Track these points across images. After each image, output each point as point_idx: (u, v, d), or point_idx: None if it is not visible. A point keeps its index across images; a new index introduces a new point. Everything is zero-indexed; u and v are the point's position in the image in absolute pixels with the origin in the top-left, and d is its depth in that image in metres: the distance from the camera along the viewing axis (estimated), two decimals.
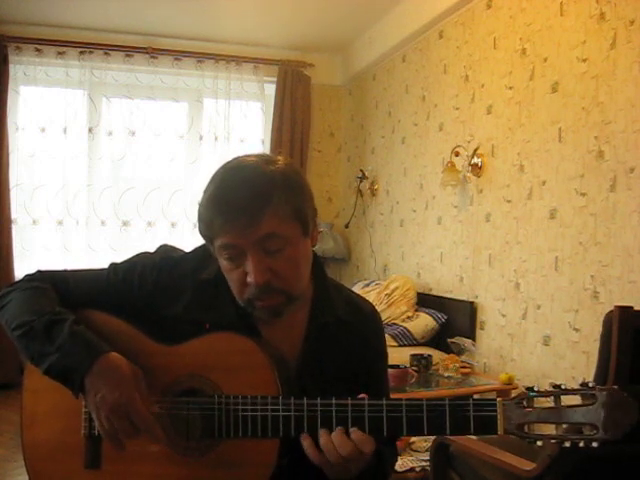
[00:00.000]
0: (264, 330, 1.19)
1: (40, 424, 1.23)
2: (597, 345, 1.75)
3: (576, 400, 0.97)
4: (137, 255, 1.30)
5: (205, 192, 1.13)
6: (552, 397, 0.98)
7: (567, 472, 1.73)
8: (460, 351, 3.49)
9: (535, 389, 0.99)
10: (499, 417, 0.98)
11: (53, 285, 1.25)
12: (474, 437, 2.21)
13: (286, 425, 1.06)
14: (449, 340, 3.62)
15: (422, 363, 3.20)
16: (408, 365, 3.15)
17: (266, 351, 1.11)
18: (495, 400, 1.00)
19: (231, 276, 1.13)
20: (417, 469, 2.65)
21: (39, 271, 1.30)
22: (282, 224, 1.09)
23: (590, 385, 0.96)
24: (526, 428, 0.98)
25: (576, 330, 2.89)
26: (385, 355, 1.33)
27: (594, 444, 0.95)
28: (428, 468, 2.45)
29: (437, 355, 3.52)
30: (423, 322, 3.97)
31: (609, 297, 2.70)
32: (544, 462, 1.72)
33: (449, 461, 2.25)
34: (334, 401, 1.04)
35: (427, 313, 4.03)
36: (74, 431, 1.19)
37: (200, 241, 1.31)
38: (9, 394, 4.48)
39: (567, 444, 0.96)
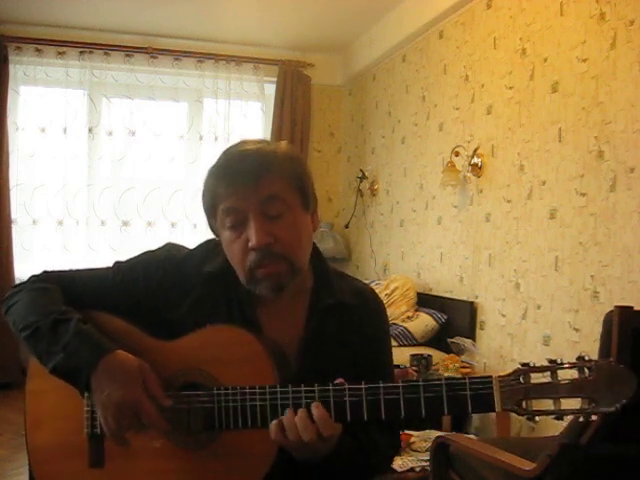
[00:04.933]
0: (266, 321, 1.20)
1: (44, 427, 1.23)
2: (597, 345, 1.74)
3: (573, 374, 0.96)
4: (142, 254, 1.30)
5: (209, 170, 1.20)
6: (549, 372, 0.97)
7: (567, 472, 1.73)
8: (460, 351, 3.50)
9: (531, 364, 0.98)
10: (496, 394, 0.98)
11: (59, 285, 1.25)
12: (474, 437, 2.21)
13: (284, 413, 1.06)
14: (449, 340, 3.62)
15: (422, 363, 3.20)
16: (408, 365, 3.15)
17: (264, 342, 1.11)
18: (491, 377, 0.99)
19: (233, 248, 1.15)
20: (417, 469, 2.65)
21: (45, 271, 1.31)
22: (283, 188, 1.14)
23: (586, 359, 0.96)
24: (524, 404, 0.97)
25: (576, 330, 2.89)
26: (388, 336, 1.35)
27: (593, 417, 0.94)
28: (428, 468, 2.45)
29: (437, 355, 3.52)
30: (423, 322, 3.97)
31: (609, 297, 2.70)
32: (544, 462, 1.72)
33: (449, 461, 2.25)
34: (331, 387, 1.04)
35: (427, 313, 4.03)
36: (77, 432, 1.19)
37: (200, 240, 1.32)
38: (9, 394, 4.49)
39: (565, 418, 0.96)
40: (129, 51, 5.15)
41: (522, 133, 3.33)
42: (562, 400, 0.96)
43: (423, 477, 2.60)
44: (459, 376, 3.11)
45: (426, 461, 2.57)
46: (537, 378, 0.98)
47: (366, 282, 1.45)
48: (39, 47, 4.97)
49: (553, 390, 0.96)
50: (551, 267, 3.07)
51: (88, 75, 5.09)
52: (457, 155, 3.84)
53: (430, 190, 4.30)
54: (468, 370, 3.30)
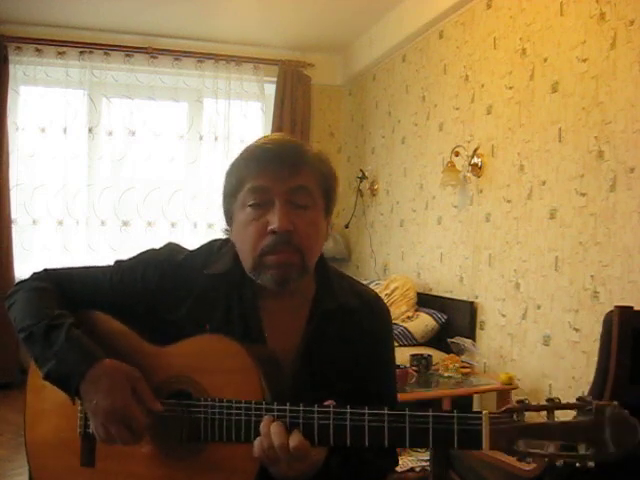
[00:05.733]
0: (267, 323, 1.19)
1: (42, 422, 1.24)
2: (597, 345, 1.75)
3: (571, 415, 0.91)
4: (143, 253, 1.29)
5: (241, 152, 1.17)
6: (545, 412, 0.91)
7: (567, 473, 1.73)
8: (460, 351, 3.49)
9: (526, 401, 0.93)
10: (484, 431, 0.93)
11: (58, 285, 1.25)
12: None
13: None
14: (449, 340, 3.62)
15: (422, 363, 3.20)
16: (408, 365, 3.14)
17: (253, 354, 1.10)
18: (481, 413, 0.94)
19: (250, 228, 1.13)
20: (417, 469, 2.65)
21: (45, 270, 1.30)
22: (314, 185, 1.15)
23: (587, 400, 0.90)
24: (515, 444, 0.91)
25: (576, 330, 2.89)
26: (391, 339, 1.33)
27: (590, 464, 0.88)
28: (428, 468, 2.45)
29: (437, 355, 3.52)
30: (423, 322, 3.97)
31: (609, 297, 2.70)
32: (544, 462, 1.72)
33: (449, 461, 2.25)
34: (316, 408, 1.02)
35: (427, 313, 4.03)
36: (72, 429, 1.20)
37: (200, 240, 1.31)
38: (9, 394, 4.48)
39: (559, 463, 0.90)
40: (129, 51, 5.15)
41: (522, 133, 3.33)
42: (557, 442, 0.90)
43: (423, 477, 2.61)
44: (458, 376, 3.13)
45: (426, 461, 2.58)
46: (532, 417, 0.93)
47: (366, 282, 1.44)
48: (39, 47, 4.97)
49: (549, 431, 0.90)
50: (551, 267, 3.07)
51: (88, 75, 5.09)
52: (457, 155, 3.84)
53: (430, 190, 4.30)
54: (468, 370, 3.30)
